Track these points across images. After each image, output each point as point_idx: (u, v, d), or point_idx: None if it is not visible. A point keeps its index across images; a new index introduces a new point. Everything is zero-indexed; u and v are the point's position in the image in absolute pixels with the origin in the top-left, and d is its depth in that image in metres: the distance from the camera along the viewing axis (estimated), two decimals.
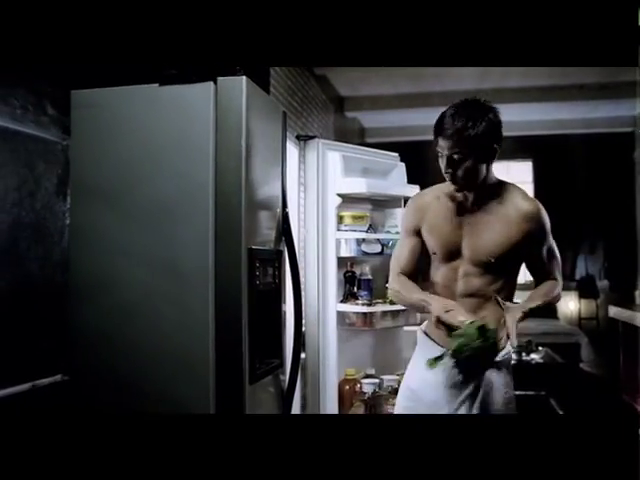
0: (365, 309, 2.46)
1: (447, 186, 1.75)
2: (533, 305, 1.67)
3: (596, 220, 7.76)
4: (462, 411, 1.71)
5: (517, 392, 5.59)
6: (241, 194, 1.65)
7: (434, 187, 1.86)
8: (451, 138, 1.65)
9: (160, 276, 1.64)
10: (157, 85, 1.70)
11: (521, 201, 1.73)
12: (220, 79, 1.67)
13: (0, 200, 1.12)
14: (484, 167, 1.70)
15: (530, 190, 8.23)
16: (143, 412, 1.59)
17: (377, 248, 2.62)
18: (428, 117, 7.83)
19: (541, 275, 1.77)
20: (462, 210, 1.76)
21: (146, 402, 1.62)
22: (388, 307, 2.51)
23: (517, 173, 8.27)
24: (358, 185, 2.47)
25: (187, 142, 1.67)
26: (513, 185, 1.82)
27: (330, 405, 2.38)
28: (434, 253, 1.78)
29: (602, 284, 7.75)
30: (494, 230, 1.71)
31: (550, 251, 1.77)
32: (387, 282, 2.47)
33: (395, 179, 2.73)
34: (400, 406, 1.86)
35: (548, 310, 8.20)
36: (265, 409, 1.82)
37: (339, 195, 2.50)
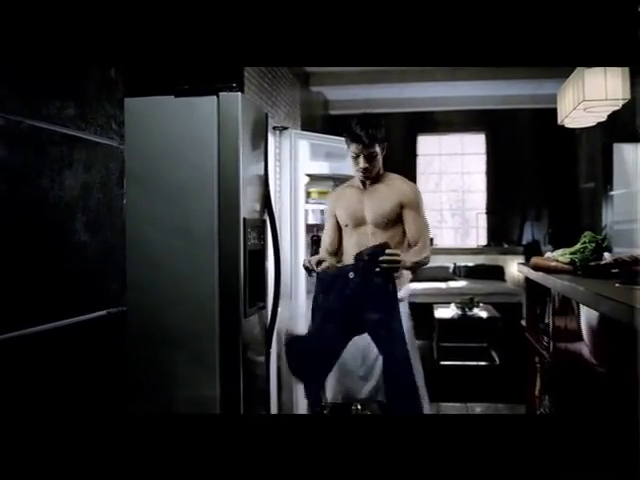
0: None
1: (352, 181, 2.72)
2: (414, 259, 2.48)
3: (542, 189, 8.59)
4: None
5: (462, 344, 6.54)
6: (238, 178, 2.26)
7: (344, 184, 2.80)
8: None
9: (178, 239, 2.26)
10: (173, 97, 2.30)
11: (401, 184, 2.64)
12: (221, 94, 2.26)
13: (91, 189, 1.77)
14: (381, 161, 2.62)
15: (483, 161, 9.03)
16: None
17: None
18: (387, 91, 8.78)
19: (412, 238, 2.59)
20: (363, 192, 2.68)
21: (170, 330, 2.30)
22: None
23: (470, 145, 9.04)
24: (322, 167, 3.17)
25: (197, 141, 2.26)
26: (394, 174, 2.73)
27: None
28: (346, 225, 2.62)
29: (546, 249, 8.61)
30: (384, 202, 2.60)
31: (417, 221, 2.58)
32: None
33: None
34: None
35: (496, 273, 9.07)
36: (254, 337, 2.52)
37: (307, 175, 3.18)
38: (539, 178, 8.53)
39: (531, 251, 8.64)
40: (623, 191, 5.95)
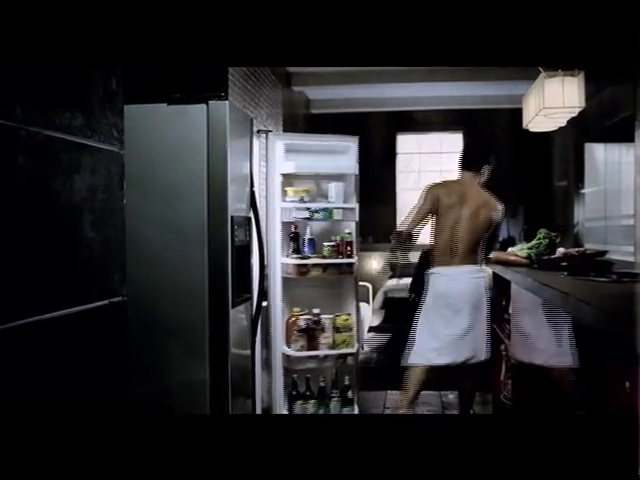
0: (298, 262, 3.30)
1: None
2: None
3: (517, 187, 8.92)
4: None
5: None
6: (226, 179, 2.47)
7: None
8: None
9: (172, 236, 2.48)
10: (166, 104, 2.52)
11: None
12: (211, 102, 2.48)
13: (96, 191, 2.00)
14: None
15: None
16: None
17: (306, 214, 3.41)
18: (368, 91, 9.16)
19: None
20: None
21: (164, 319, 2.51)
22: (317, 260, 3.37)
23: (449, 143, 9.35)
24: (300, 167, 3.39)
25: (189, 145, 2.48)
26: None
27: (278, 334, 3.34)
28: None
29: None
30: None
31: None
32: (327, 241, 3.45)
33: (341, 159, 3.58)
34: None
35: None
36: (241, 325, 2.77)
37: (284, 174, 3.39)
38: (515, 176, 8.84)
39: (507, 247, 8.95)
40: (594, 189, 6.24)
